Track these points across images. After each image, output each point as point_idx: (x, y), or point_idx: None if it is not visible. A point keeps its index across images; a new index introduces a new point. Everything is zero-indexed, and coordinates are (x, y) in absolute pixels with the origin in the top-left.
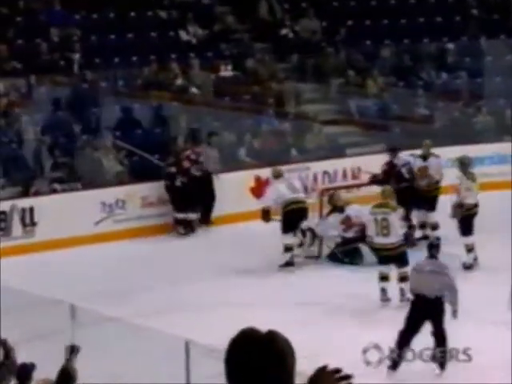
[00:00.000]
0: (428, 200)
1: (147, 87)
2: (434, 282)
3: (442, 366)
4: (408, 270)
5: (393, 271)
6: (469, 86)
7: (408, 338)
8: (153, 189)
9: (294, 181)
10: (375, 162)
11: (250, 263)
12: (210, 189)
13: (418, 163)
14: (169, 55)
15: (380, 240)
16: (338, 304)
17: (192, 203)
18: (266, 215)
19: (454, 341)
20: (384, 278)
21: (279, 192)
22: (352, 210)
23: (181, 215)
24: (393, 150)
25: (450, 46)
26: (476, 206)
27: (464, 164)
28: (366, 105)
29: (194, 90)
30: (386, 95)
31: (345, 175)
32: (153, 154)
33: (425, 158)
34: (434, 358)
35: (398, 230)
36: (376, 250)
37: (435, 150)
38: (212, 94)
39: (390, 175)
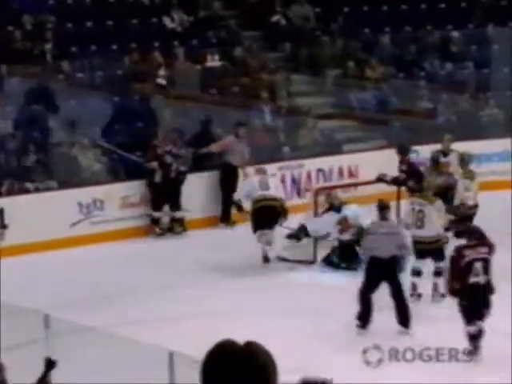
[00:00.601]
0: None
1: (127, 79)
2: (389, 244)
3: (406, 324)
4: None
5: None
6: (475, 77)
7: (368, 298)
8: (134, 188)
9: (270, 179)
10: (374, 159)
11: (236, 267)
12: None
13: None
14: (151, 44)
15: (415, 232)
16: (329, 314)
17: (169, 201)
18: (239, 208)
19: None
20: (417, 272)
21: (252, 187)
22: (349, 211)
23: (156, 214)
24: (405, 149)
25: (455, 34)
26: (475, 207)
27: (462, 160)
28: (365, 98)
29: (161, 81)
30: (386, 87)
31: (341, 173)
32: (134, 151)
33: (445, 154)
34: (400, 322)
35: (435, 224)
36: (413, 242)
37: (435, 147)
38: (198, 86)
39: (411, 175)
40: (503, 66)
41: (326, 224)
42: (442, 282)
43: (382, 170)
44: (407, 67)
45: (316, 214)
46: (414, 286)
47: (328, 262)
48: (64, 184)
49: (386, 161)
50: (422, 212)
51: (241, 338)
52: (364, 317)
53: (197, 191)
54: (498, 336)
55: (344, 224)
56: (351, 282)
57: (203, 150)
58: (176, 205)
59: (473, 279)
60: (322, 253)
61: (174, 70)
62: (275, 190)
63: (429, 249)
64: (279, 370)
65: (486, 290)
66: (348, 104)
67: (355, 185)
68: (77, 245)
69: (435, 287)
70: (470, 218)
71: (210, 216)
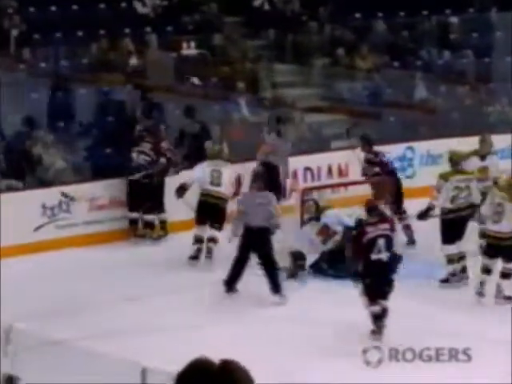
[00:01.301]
0: None
1: (95, 68)
2: (260, 214)
3: (277, 290)
4: None
5: None
6: (476, 66)
7: (239, 265)
8: (104, 188)
9: (226, 171)
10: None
11: (217, 275)
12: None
13: (473, 163)
14: (121, 30)
15: (491, 226)
16: (315, 326)
17: (152, 202)
18: (180, 190)
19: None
20: (487, 270)
21: (203, 175)
22: (329, 218)
23: (134, 215)
24: (368, 140)
25: (454, 19)
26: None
27: (452, 161)
28: (356, 89)
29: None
30: (379, 78)
31: (330, 172)
32: (103, 148)
33: (483, 156)
34: (271, 289)
35: (510, 221)
36: (486, 236)
37: (434, 143)
38: (172, 77)
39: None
40: (506, 55)
41: (308, 239)
42: (508, 284)
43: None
44: (402, 56)
45: (303, 220)
46: (481, 284)
47: (316, 268)
48: (26, 185)
49: None
50: (501, 206)
51: (223, 349)
52: (230, 282)
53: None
54: (497, 336)
55: (324, 233)
56: (340, 289)
57: (258, 156)
58: (161, 206)
59: (375, 256)
60: (311, 259)
61: (146, 58)
62: (225, 188)
63: (502, 245)
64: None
65: (389, 267)
66: (337, 96)
67: (345, 184)
68: (41, 250)
69: (499, 289)
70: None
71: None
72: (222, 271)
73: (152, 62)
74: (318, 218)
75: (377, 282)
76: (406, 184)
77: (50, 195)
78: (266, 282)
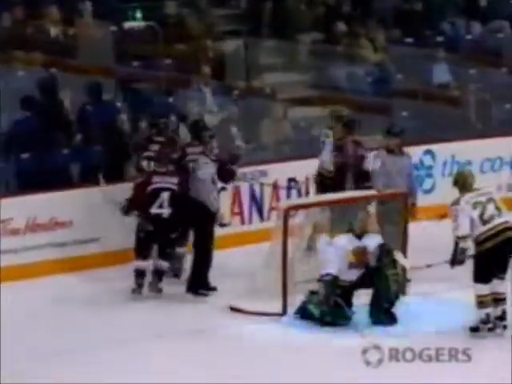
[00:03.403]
0: None
1: (8, 45)
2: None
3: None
4: None
5: None
6: None
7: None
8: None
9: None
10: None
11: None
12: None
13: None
14: None
15: None
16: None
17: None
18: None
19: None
20: None
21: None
22: (373, 242)
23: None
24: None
25: None
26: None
27: (458, 183)
28: (357, 74)
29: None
30: (388, 59)
31: None
32: (19, 150)
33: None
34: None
35: None
36: None
37: (461, 145)
38: (111, 57)
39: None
40: None
41: (336, 251)
42: None
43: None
44: (417, 30)
45: (285, 247)
46: None
47: (302, 312)
48: None
49: None
50: None
51: None
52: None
53: None
54: (498, 336)
55: (359, 257)
56: (335, 341)
57: None
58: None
59: (156, 210)
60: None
61: (77, 31)
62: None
63: None
64: None
65: (169, 223)
66: (333, 83)
67: (343, 201)
68: None
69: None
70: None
71: None
72: None
73: (84, 37)
74: (360, 237)
75: (149, 239)
76: (423, 201)
77: None
78: None
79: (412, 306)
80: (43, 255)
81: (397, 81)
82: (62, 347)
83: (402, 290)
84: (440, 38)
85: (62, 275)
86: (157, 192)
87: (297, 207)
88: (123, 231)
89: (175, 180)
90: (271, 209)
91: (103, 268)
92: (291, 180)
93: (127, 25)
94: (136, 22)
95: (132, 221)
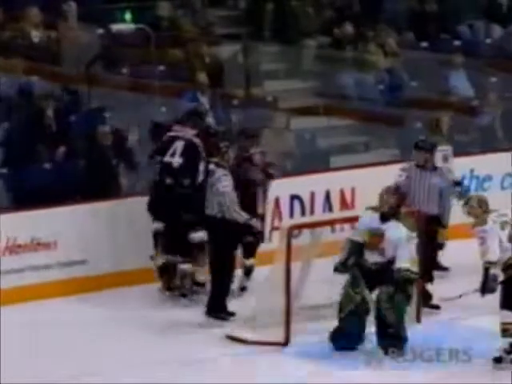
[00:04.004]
0: None
1: None
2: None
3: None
4: None
5: None
6: None
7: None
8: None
9: None
10: (380, 179)
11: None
12: None
13: None
14: None
15: None
16: None
17: None
18: None
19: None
20: None
21: None
22: (394, 232)
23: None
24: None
25: None
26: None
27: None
28: (366, 82)
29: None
30: (401, 65)
31: (328, 202)
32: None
33: None
34: None
35: None
36: None
37: (481, 159)
38: (99, 63)
39: None
40: None
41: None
42: None
43: None
44: (433, 34)
45: (289, 270)
46: None
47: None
48: None
49: None
50: None
51: None
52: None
53: None
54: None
55: (374, 239)
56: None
57: None
58: None
59: (168, 158)
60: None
61: (61, 35)
62: None
63: None
64: None
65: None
66: (340, 91)
67: (351, 220)
68: None
69: None
70: None
71: None
72: None
73: (69, 42)
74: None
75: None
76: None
77: None
78: None
79: (431, 333)
80: (24, 279)
81: (410, 89)
82: (38, 376)
83: (417, 318)
84: (457, 42)
85: (45, 300)
86: (171, 140)
87: (300, 226)
88: (113, 253)
89: (193, 131)
90: (273, 229)
91: (90, 293)
92: (295, 197)
93: (115, 28)
94: (125, 25)
95: (122, 241)
